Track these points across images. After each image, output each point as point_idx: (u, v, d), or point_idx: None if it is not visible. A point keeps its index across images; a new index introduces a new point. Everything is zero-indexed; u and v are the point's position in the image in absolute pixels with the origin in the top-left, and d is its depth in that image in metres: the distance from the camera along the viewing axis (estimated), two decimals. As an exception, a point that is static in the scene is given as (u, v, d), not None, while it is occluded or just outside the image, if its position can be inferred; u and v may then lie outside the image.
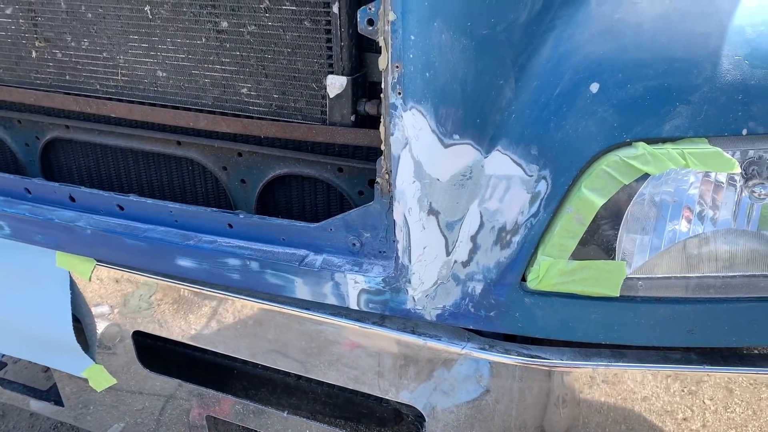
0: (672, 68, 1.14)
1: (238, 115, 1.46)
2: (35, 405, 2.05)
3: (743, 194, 1.19)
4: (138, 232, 1.49)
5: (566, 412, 1.29)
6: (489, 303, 1.26)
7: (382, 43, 1.12)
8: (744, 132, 1.13)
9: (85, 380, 1.82)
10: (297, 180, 1.54)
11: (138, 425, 1.85)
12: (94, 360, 1.77)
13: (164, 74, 1.50)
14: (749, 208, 1.20)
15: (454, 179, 1.19)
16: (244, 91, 1.43)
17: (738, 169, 1.13)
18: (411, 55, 1.09)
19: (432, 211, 1.20)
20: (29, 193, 1.66)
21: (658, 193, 1.18)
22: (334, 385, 1.77)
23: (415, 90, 1.11)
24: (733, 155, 1.14)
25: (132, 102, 1.57)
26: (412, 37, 1.07)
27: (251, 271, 1.39)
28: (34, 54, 1.64)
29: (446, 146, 1.16)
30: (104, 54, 1.55)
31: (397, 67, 1.10)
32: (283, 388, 1.87)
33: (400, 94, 1.11)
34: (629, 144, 1.15)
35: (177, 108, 1.52)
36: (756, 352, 1.27)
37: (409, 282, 1.27)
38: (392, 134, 1.15)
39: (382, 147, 1.22)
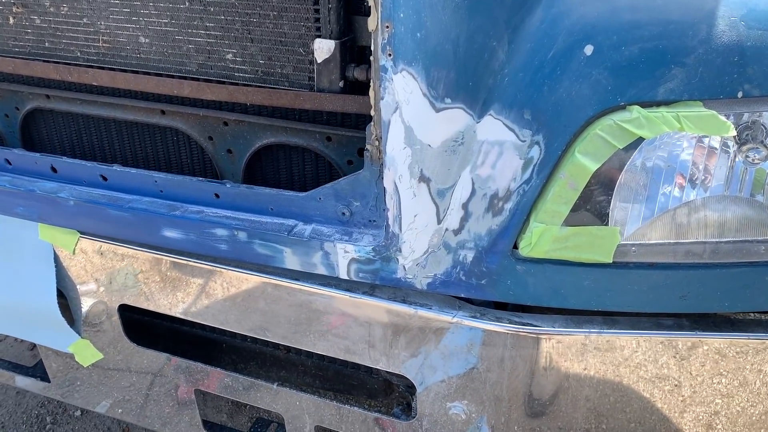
0: (667, 30, 1.12)
1: (223, 82, 1.42)
2: (21, 381, 2.02)
3: (737, 159, 1.17)
4: (122, 203, 1.46)
5: (558, 379, 1.28)
6: (480, 271, 1.24)
7: (371, 3, 1.09)
8: (740, 94, 1.11)
9: (72, 355, 1.80)
10: (285, 150, 1.51)
11: (126, 401, 1.83)
12: (80, 335, 1.75)
13: (147, 40, 1.46)
14: (742, 173, 1.19)
15: (446, 145, 1.16)
16: (230, 56, 1.39)
17: (733, 132, 1.11)
18: (401, 15, 1.06)
19: (423, 178, 1.18)
20: (9, 164, 1.62)
21: (652, 158, 1.16)
22: (323, 358, 1.76)
23: (406, 51, 1.08)
24: (728, 119, 1.13)
25: (114, 69, 1.52)
26: (403, -4, 1.04)
27: (239, 241, 1.36)
28: (11, 20, 1.59)
29: (438, 110, 1.13)
30: (84, 20, 1.50)
31: (388, 27, 1.07)
32: (272, 361, 1.86)
33: (390, 55, 1.08)
34: (623, 107, 1.13)
35: (160, 75, 1.48)
36: (750, 317, 1.26)
37: (400, 251, 1.25)
38: (382, 98, 1.12)
39: (372, 113, 1.19)
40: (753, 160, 1.17)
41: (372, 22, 1.10)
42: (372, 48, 1.13)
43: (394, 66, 1.09)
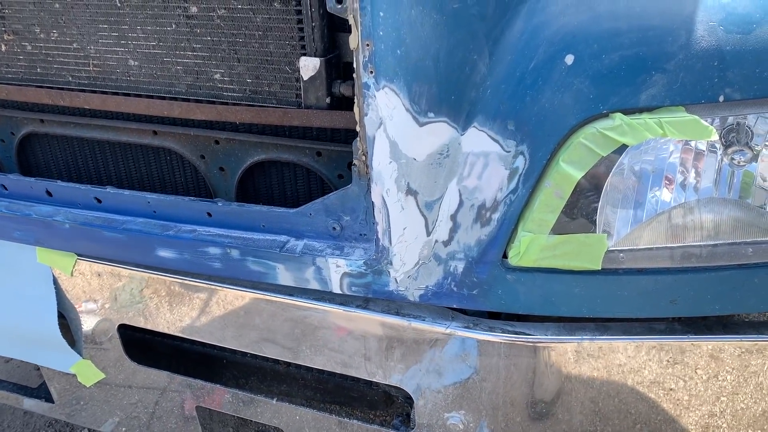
0: (647, 36, 1.12)
1: (213, 102, 1.44)
2: (27, 403, 2.04)
3: (723, 162, 1.18)
4: (116, 225, 1.48)
5: (553, 387, 1.29)
6: (471, 281, 1.25)
7: (351, 22, 1.10)
8: (721, 99, 1.11)
9: (74, 376, 1.81)
10: (276, 166, 1.53)
11: (130, 419, 1.84)
12: (81, 355, 1.76)
13: (136, 63, 1.48)
14: (729, 175, 1.19)
15: (431, 158, 1.17)
16: (217, 76, 1.41)
17: (715, 137, 1.12)
18: (381, 33, 1.07)
19: (410, 192, 1.19)
20: (5, 189, 1.64)
21: (638, 163, 1.17)
22: (323, 371, 1.77)
23: (387, 68, 1.09)
24: (711, 123, 1.13)
25: (105, 93, 1.54)
26: (381, 14, 1.05)
27: (232, 259, 1.38)
28: (3, 47, 1.61)
29: (421, 125, 1.14)
30: (74, 45, 1.52)
31: (368, 45, 1.08)
32: (273, 376, 1.87)
33: (371, 73, 1.10)
34: (606, 115, 1.13)
35: (151, 97, 1.49)
36: (744, 319, 1.27)
37: (391, 263, 1.26)
38: (366, 114, 1.13)
39: (358, 128, 1.20)
40: (738, 162, 1.18)
41: (353, 41, 1.11)
42: (354, 65, 1.14)
43: (376, 83, 1.10)
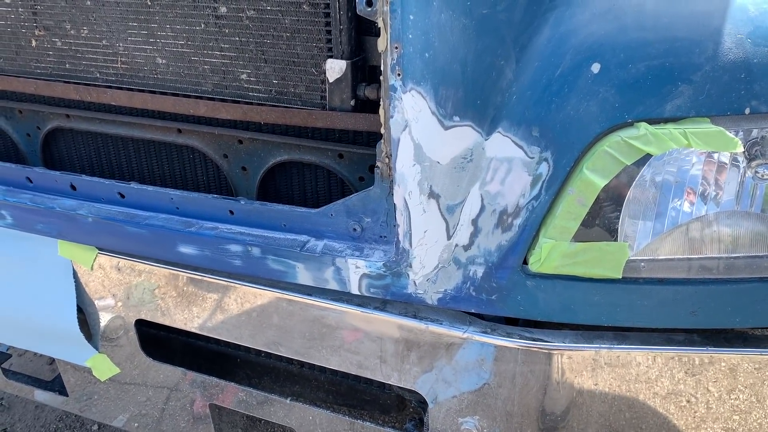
0: (674, 47, 1.13)
1: (238, 102, 1.45)
2: (40, 396, 2.05)
3: (746, 175, 1.18)
4: (139, 220, 1.49)
5: (570, 395, 1.29)
6: (490, 286, 1.25)
7: (381, 24, 1.11)
8: (747, 111, 1.11)
9: (89, 370, 1.83)
10: (298, 167, 1.54)
11: (142, 415, 1.86)
12: (97, 349, 1.78)
13: (164, 61, 1.50)
14: (752, 188, 1.19)
15: (455, 162, 1.18)
16: (244, 77, 1.42)
17: (740, 149, 1.12)
18: (410, 36, 1.08)
19: (432, 195, 1.20)
20: (31, 182, 1.66)
21: (661, 174, 1.17)
22: (337, 373, 1.77)
23: (415, 71, 1.10)
24: (736, 135, 1.13)
25: (132, 90, 1.56)
26: (411, 17, 1.07)
27: (253, 257, 1.39)
28: (33, 43, 1.63)
29: (446, 128, 1.15)
30: (104, 42, 1.54)
31: (396, 48, 1.09)
32: (286, 376, 1.88)
33: (399, 75, 1.11)
34: (631, 124, 1.14)
35: (177, 95, 1.51)
36: (760, 333, 1.26)
37: (410, 266, 1.27)
38: (392, 117, 1.14)
39: (382, 130, 1.21)
40: (762, 175, 1.18)
41: (381, 43, 1.12)
42: (382, 68, 1.15)
43: (403, 85, 1.11)
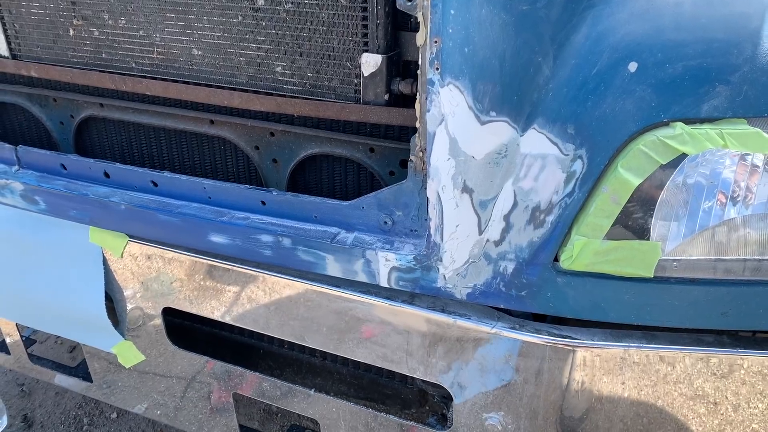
0: (711, 48, 1.13)
1: (272, 94, 1.47)
2: (64, 381, 2.08)
3: (780, 178, 1.18)
4: (171, 208, 1.51)
5: (596, 393, 1.29)
6: (520, 282, 1.26)
7: (420, 18, 1.12)
8: (785, 113, 1.11)
9: (114, 356, 1.85)
10: (328, 160, 1.55)
11: (164, 403, 1.88)
12: (123, 336, 1.80)
13: (200, 53, 1.52)
14: (786, 192, 1.19)
15: (489, 157, 1.19)
16: (279, 69, 1.44)
17: (777, 150, 1.12)
18: (450, 30, 1.09)
19: (466, 189, 1.21)
20: (65, 169, 1.69)
21: (694, 175, 1.17)
22: (359, 366, 1.79)
23: (453, 65, 1.11)
24: (769, 138, 1.13)
25: (167, 80, 1.59)
26: (452, 12, 1.08)
27: (283, 247, 1.40)
28: (71, 32, 1.66)
29: (482, 123, 1.16)
30: (140, 32, 1.57)
31: (436, 42, 1.10)
32: (308, 368, 1.89)
33: (437, 69, 1.12)
34: (667, 124, 1.14)
35: (211, 86, 1.53)
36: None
37: (441, 260, 1.28)
38: (428, 111, 1.15)
39: (417, 124, 1.22)
40: (795, 178, 1.18)
41: (420, 37, 1.13)
42: (419, 62, 1.17)
43: (441, 79, 1.12)
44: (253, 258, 1.45)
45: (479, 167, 1.19)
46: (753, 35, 1.12)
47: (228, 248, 1.46)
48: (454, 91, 1.12)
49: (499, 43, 1.11)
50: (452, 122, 1.15)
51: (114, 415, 2.87)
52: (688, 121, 1.13)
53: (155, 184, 1.57)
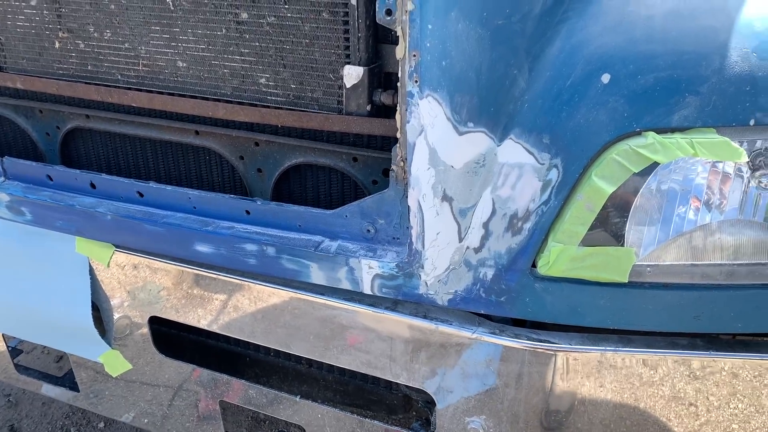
0: (681, 60, 1.17)
1: (256, 105, 1.49)
2: (51, 390, 2.09)
3: (750, 185, 1.22)
4: (157, 218, 1.53)
5: (575, 396, 1.32)
6: (500, 288, 1.29)
7: (399, 33, 1.16)
8: (752, 122, 1.15)
9: (101, 366, 1.86)
10: (312, 169, 1.58)
11: (152, 411, 1.89)
12: (110, 345, 1.81)
13: (184, 65, 1.54)
14: (756, 198, 1.23)
15: (468, 166, 1.22)
16: (263, 81, 1.47)
17: (745, 159, 1.16)
18: (428, 44, 1.12)
19: (446, 198, 1.24)
20: (51, 180, 1.70)
21: (667, 182, 1.21)
22: (344, 373, 1.81)
23: (432, 78, 1.14)
24: (741, 146, 1.17)
25: (152, 92, 1.61)
26: (430, 27, 1.11)
27: (268, 256, 1.42)
28: (57, 44, 1.68)
29: (461, 134, 1.19)
30: (126, 44, 1.59)
31: (415, 55, 1.13)
32: (294, 375, 1.91)
33: (416, 82, 1.15)
34: (639, 133, 1.18)
35: (196, 98, 1.55)
36: (761, 339, 1.29)
37: (422, 267, 1.30)
38: (408, 122, 1.18)
39: (398, 135, 1.25)
40: (765, 185, 1.22)
41: (400, 51, 1.17)
42: (399, 74, 1.20)
43: (420, 92, 1.15)
44: (238, 267, 1.48)
45: (458, 176, 1.22)
46: (721, 47, 1.16)
47: (213, 257, 1.48)
48: (432, 103, 1.16)
49: (475, 57, 1.15)
50: (431, 133, 1.18)
51: (101, 425, 2.87)
52: (660, 131, 1.17)
53: (141, 195, 1.59)
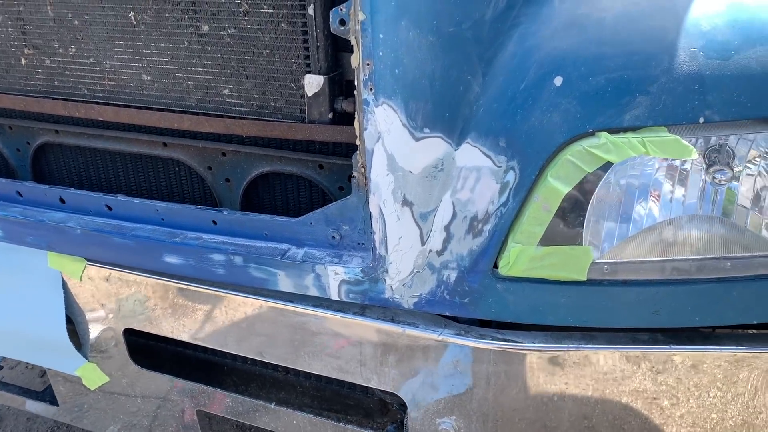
0: (632, 61, 1.19)
1: (221, 116, 1.51)
2: (32, 406, 2.09)
3: (706, 180, 1.24)
4: (126, 231, 1.54)
5: (541, 394, 1.34)
6: (463, 290, 1.30)
7: (353, 42, 1.17)
8: (701, 120, 1.18)
9: (79, 379, 1.87)
10: (280, 178, 1.59)
11: (132, 424, 1.89)
12: (86, 359, 1.82)
13: (149, 78, 1.55)
14: (712, 193, 1.25)
15: (426, 171, 1.24)
16: (226, 92, 1.48)
17: (695, 156, 1.18)
18: (381, 53, 1.14)
19: (406, 203, 1.25)
20: (20, 195, 1.71)
21: (623, 179, 1.23)
22: (321, 379, 1.82)
23: (386, 86, 1.16)
24: (696, 143, 1.20)
25: (118, 105, 1.62)
26: (381, 36, 1.13)
27: (235, 265, 1.44)
28: (23, 61, 1.69)
29: (417, 139, 1.21)
30: (91, 59, 1.60)
31: (368, 64, 1.15)
32: (272, 383, 1.92)
33: (371, 90, 1.17)
34: (592, 134, 1.20)
35: (162, 110, 1.57)
36: (725, 332, 1.32)
37: (387, 272, 1.32)
38: (365, 129, 1.20)
39: (357, 142, 1.27)
40: (720, 181, 1.24)
41: (354, 60, 1.18)
42: (356, 83, 1.21)
43: (375, 99, 1.17)
44: (207, 277, 1.49)
45: (417, 181, 1.24)
46: (669, 48, 1.19)
47: (182, 268, 1.49)
48: (388, 110, 1.17)
49: (428, 64, 1.17)
50: (388, 139, 1.20)
51: (86, 438, 2.87)
52: (613, 131, 1.19)
53: (110, 208, 1.59)
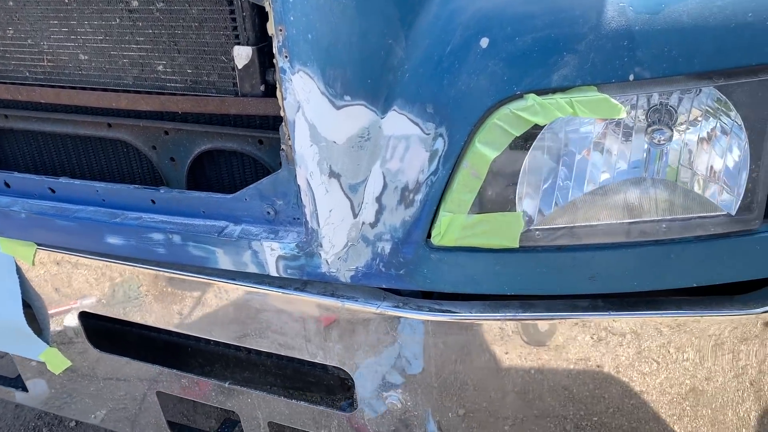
0: (558, 19, 1.15)
1: (157, 93, 1.48)
2: (5, 394, 2.09)
3: (645, 141, 1.20)
4: (68, 213, 1.53)
5: (483, 364, 1.31)
6: (398, 261, 1.28)
7: (267, 8, 1.14)
8: (631, 77, 1.13)
9: (43, 364, 1.87)
10: (224, 155, 1.57)
11: (95, 405, 1.89)
12: (48, 343, 1.82)
13: (86, 57, 1.52)
14: (654, 155, 1.21)
15: (352, 141, 1.21)
16: (160, 68, 1.45)
17: (624, 115, 1.14)
18: (292, 18, 1.10)
19: (333, 174, 1.22)
20: (-33, 182, 1.70)
21: (552, 144, 1.19)
22: (282, 357, 1.80)
23: (300, 52, 1.13)
24: (636, 102, 1.16)
25: (59, 87, 1.59)
26: (291, 0, 1.09)
27: (175, 244, 1.42)
28: (-36, 46, 1.67)
29: (338, 108, 1.17)
30: (29, 41, 1.57)
31: (281, 30, 1.12)
32: (235, 363, 1.91)
33: (286, 57, 1.13)
34: (520, 96, 1.16)
35: (99, 89, 1.54)
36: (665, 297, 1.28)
37: (321, 246, 1.30)
38: (285, 99, 1.17)
39: (282, 113, 1.24)
40: (658, 141, 1.20)
41: (270, 27, 1.15)
42: (274, 51, 1.18)
43: (291, 67, 1.14)
44: (149, 257, 1.47)
45: (343, 152, 1.21)
46: (597, 3, 1.14)
47: (124, 249, 1.48)
48: (305, 78, 1.14)
49: (343, 28, 1.13)
50: (308, 108, 1.17)
51: (73, 424, 2.89)
52: (541, 92, 1.15)
53: (53, 191, 1.58)
